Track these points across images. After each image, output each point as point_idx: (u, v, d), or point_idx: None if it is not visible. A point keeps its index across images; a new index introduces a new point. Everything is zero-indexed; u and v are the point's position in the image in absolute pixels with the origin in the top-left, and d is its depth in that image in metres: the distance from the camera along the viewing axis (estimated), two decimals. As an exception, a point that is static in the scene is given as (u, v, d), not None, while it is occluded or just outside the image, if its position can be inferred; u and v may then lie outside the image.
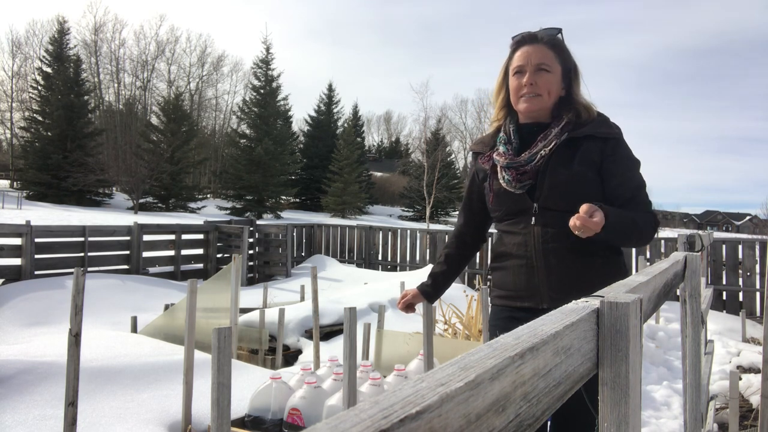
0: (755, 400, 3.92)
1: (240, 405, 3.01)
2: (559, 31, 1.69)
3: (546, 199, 1.62)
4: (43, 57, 31.57)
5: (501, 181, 1.68)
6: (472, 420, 0.38)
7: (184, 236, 9.36)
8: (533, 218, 1.64)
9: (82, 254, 7.84)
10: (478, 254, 9.46)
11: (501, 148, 1.71)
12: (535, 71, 1.63)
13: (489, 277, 1.84)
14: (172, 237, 9.21)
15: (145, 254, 8.69)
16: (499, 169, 1.69)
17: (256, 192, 30.38)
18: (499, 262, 1.75)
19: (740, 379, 4.04)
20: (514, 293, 1.70)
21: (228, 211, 29.83)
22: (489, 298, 1.86)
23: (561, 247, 1.60)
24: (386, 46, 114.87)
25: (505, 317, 1.74)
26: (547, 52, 1.64)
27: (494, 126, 1.80)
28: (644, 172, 1.69)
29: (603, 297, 0.67)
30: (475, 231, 1.93)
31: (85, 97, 30.08)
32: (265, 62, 32.52)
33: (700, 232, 3.64)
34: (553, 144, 1.62)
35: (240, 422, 2.93)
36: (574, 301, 0.68)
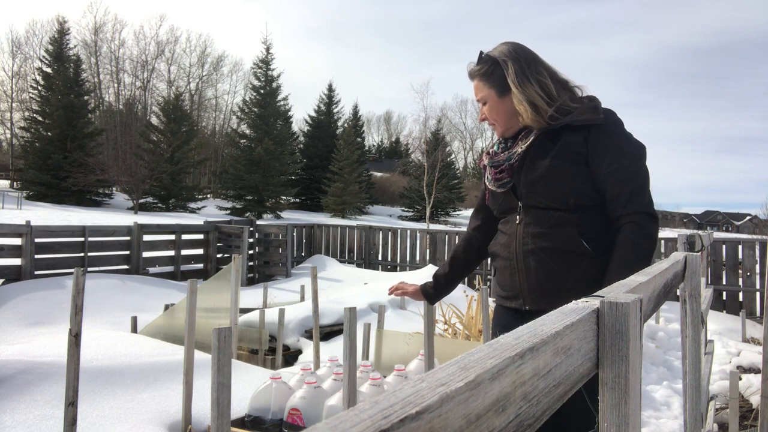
0: (755, 400, 3.92)
1: (240, 405, 3.00)
2: (480, 55, 1.69)
3: (527, 197, 1.61)
4: (43, 57, 31.54)
5: (486, 181, 1.75)
6: (472, 420, 0.38)
7: (184, 236, 9.36)
8: (518, 217, 1.65)
9: (82, 254, 7.85)
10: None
11: (494, 148, 1.76)
12: (482, 106, 1.72)
13: (489, 277, 1.86)
14: (172, 237, 9.21)
15: (145, 254, 8.69)
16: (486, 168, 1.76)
17: (256, 192, 30.37)
18: (492, 262, 1.79)
19: (740, 379, 4.04)
20: (504, 294, 1.72)
21: (228, 211, 29.83)
22: (489, 298, 1.86)
23: (542, 247, 1.57)
24: (386, 46, 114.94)
25: (503, 317, 1.76)
26: (478, 84, 1.70)
27: None
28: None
29: (603, 297, 0.67)
30: (484, 236, 1.92)
31: (85, 97, 30.04)
32: (265, 62, 32.50)
33: (700, 232, 3.64)
34: (530, 140, 1.62)
35: (240, 422, 2.93)
36: (574, 301, 0.68)
